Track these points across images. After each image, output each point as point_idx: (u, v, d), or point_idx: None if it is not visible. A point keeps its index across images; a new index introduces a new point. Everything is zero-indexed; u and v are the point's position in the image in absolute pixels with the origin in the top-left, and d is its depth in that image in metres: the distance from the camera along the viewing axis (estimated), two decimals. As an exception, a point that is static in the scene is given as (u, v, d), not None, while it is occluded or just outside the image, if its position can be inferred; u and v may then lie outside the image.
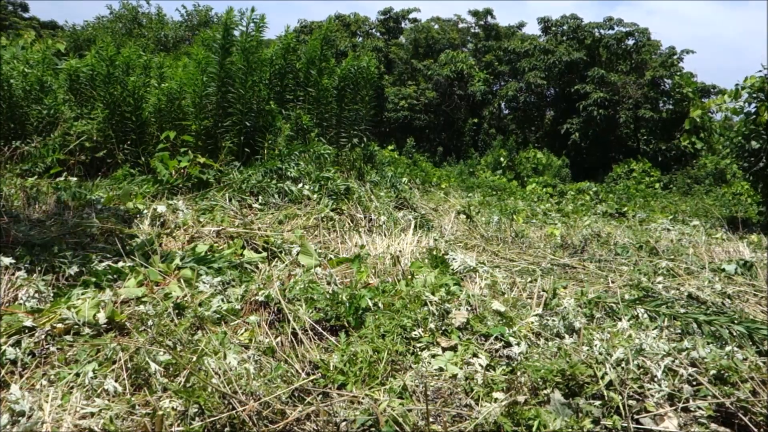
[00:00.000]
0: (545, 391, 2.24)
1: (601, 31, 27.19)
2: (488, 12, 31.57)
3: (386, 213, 5.74)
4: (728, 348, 2.63)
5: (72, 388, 2.20)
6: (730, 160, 14.72)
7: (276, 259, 4.04)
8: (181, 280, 3.32)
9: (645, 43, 26.69)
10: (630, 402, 2.19)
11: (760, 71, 10.06)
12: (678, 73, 24.99)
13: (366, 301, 3.05)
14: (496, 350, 2.73)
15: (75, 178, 5.88)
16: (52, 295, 3.00)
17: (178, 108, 7.12)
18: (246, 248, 4.21)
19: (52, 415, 2.00)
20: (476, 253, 5.07)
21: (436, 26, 31.90)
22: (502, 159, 21.77)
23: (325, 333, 2.86)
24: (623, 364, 2.39)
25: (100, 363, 2.37)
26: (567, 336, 2.89)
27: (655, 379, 2.32)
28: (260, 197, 5.55)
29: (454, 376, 2.45)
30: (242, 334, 2.82)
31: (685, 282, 4.33)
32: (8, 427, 1.92)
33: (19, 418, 1.95)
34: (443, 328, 2.86)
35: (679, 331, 3.12)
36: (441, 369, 2.52)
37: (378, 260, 3.90)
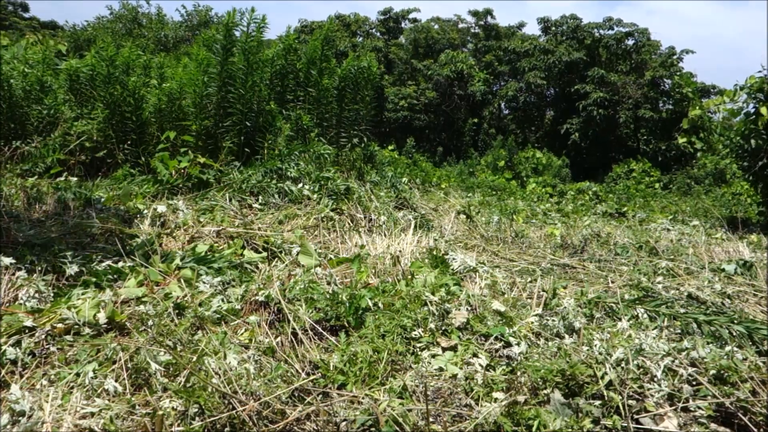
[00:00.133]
0: (545, 391, 2.24)
1: (601, 31, 27.20)
2: (488, 12, 31.58)
3: (386, 213, 5.75)
4: (728, 348, 2.63)
5: (72, 388, 2.20)
6: (729, 160, 14.73)
7: (276, 259, 4.04)
8: (181, 280, 3.32)
9: (645, 43, 26.69)
10: (630, 402, 2.19)
11: (760, 71, 10.08)
12: (678, 73, 24.99)
13: (366, 301, 3.05)
14: (496, 350, 2.73)
15: (75, 178, 5.88)
16: (52, 295, 3.00)
17: (179, 108, 7.12)
18: (246, 248, 4.21)
19: (52, 415, 2.00)
20: (476, 253, 5.07)
21: (436, 26, 31.91)
22: (502, 159, 21.77)
23: (325, 333, 2.86)
24: (623, 364, 2.39)
25: (100, 363, 2.37)
26: (567, 336, 2.89)
27: (655, 379, 2.32)
28: (260, 197, 5.55)
29: (454, 376, 2.46)
30: (242, 334, 2.83)
31: (685, 282, 4.33)
32: (8, 427, 1.92)
33: (20, 418, 1.95)
34: (443, 328, 2.86)
35: (679, 331, 3.12)
36: (441, 369, 2.52)
37: (378, 260, 3.90)
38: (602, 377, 2.30)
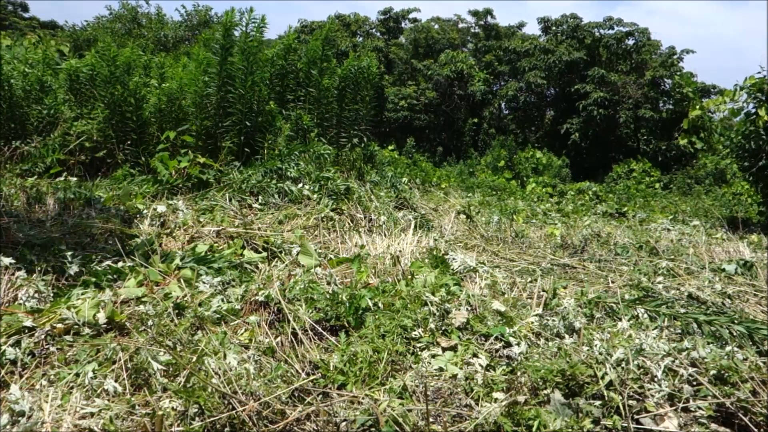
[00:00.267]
0: (545, 391, 2.24)
1: (601, 30, 27.18)
2: (488, 12, 31.57)
3: (386, 213, 5.74)
4: (728, 348, 2.62)
5: (72, 388, 2.20)
6: (730, 160, 14.73)
7: (276, 259, 4.04)
8: (181, 280, 3.32)
9: (645, 43, 26.68)
10: (630, 402, 2.18)
11: (760, 72, 10.08)
12: (678, 73, 24.98)
13: (366, 301, 3.05)
14: (496, 350, 2.73)
15: (75, 178, 5.88)
16: (52, 295, 3.00)
17: (179, 108, 7.12)
18: (246, 248, 4.21)
19: (52, 415, 2.00)
20: (476, 253, 5.07)
21: (436, 26, 31.90)
22: (501, 159, 21.77)
23: (325, 333, 2.86)
24: (623, 364, 2.39)
25: (100, 363, 2.37)
26: (567, 336, 2.89)
27: (655, 379, 2.32)
28: (260, 197, 5.55)
29: (454, 376, 2.45)
30: (242, 334, 2.82)
31: (685, 282, 4.33)
32: (8, 427, 1.92)
33: (19, 418, 1.95)
34: (443, 328, 2.86)
35: (679, 331, 3.12)
36: (441, 369, 2.52)
37: (378, 260, 3.90)
38: (602, 377, 2.30)
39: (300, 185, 5.76)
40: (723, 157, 17.41)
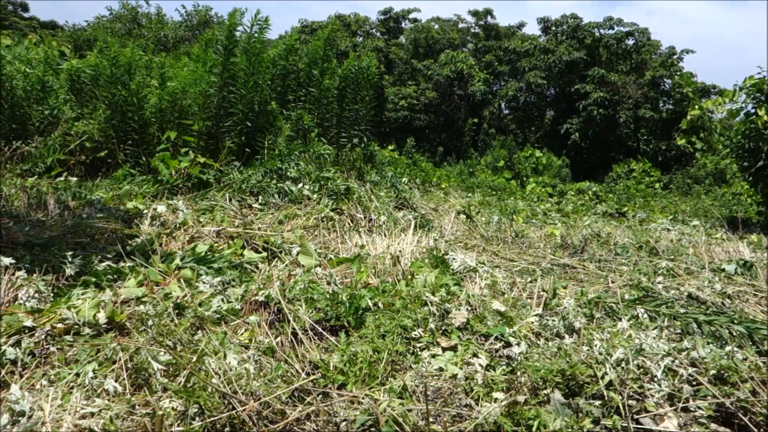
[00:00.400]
0: (545, 391, 2.24)
1: (601, 30, 27.17)
2: (488, 12, 31.57)
3: (386, 213, 5.74)
4: (728, 348, 2.63)
5: (72, 388, 2.20)
6: (729, 160, 14.73)
7: (276, 259, 4.04)
8: (181, 280, 3.32)
9: (645, 43, 26.68)
10: (630, 402, 2.19)
11: (759, 72, 10.09)
12: (678, 73, 24.98)
13: (366, 301, 3.05)
14: (496, 350, 2.73)
15: (75, 178, 5.88)
16: (52, 295, 3.00)
17: (180, 108, 7.12)
18: (246, 248, 4.21)
19: (52, 415, 2.00)
20: (476, 253, 5.07)
21: (436, 26, 31.90)
22: (501, 159, 21.77)
23: (325, 333, 2.86)
24: (623, 364, 2.39)
25: (100, 363, 2.37)
26: (567, 336, 2.89)
27: (655, 379, 2.32)
28: (260, 197, 5.55)
29: (454, 376, 2.45)
30: (242, 334, 2.83)
31: (685, 282, 4.33)
32: (8, 427, 1.92)
33: (19, 418, 1.95)
34: (443, 328, 2.86)
35: (679, 331, 3.12)
36: (441, 369, 2.52)
37: (378, 260, 3.90)
38: (602, 377, 2.30)
39: (300, 185, 5.76)
40: (723, 157, 17.42)
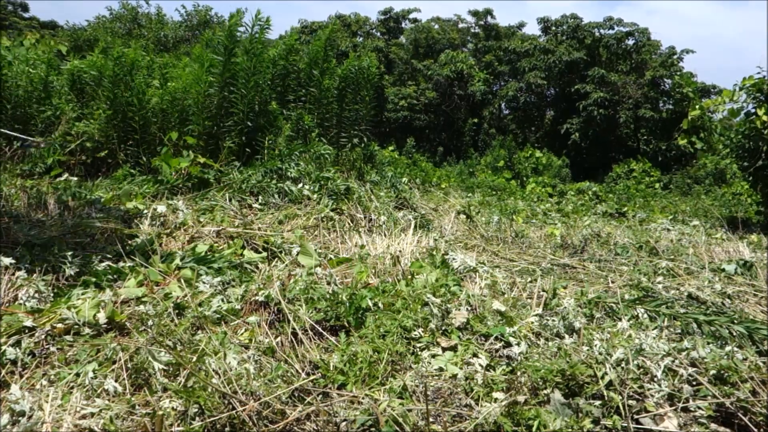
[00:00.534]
0: (545, 391, 2.24)
1: (601, 30, 27.17)
2: (488, 12, 31.56)
3: (386, 213, 5.74)
4: (728, 348, 2.63)
5: (72, 388, 2.20)
6: (729, 160, 14.72)
7: (276, 259, 4.04)
8: (181, 280, 3.32)
9: (645, 43, 26.67)
10: (630, 402, 2.19)
11: (759, 72, 10.09)
12: (678, 73, 24.97)
13: (366, 301, 3.05)
14: (496, 350, 2.73)
15: (75, 178, 5.88)
16: (52, 295, 3.00)
17: (181, 108, 7.13)
18: (246, 248, 4.21)
19: (52, 415, 2.00)
20: (476, 253, 5.07)
21: (437, 26, 31.90)
22: (501, 159, 21.78)
23: (325, 333, 2.86)
24: (623, 364, 2.39)
25: (100, 363, 2.37)
26: (567, 336, 2.89)
27: (655, 379, 2.32)
28: (260, 197, 5.55)
29: (454, 376, 2.45)
30: (242, 334, 2.82)
31: (685, 282, 4.33)
32: (8, 427, 1.92)
33: (19, 418, 1.95)
34: (443, 328, 2.86)
35: (679, 331, 3.12)
36: (441, 369, 2.52)
37: (378, 260, 3.90)
38: (602, 377, 2.30)
39: (300, 185, 5.76)
40: (723, 157, 17.40)
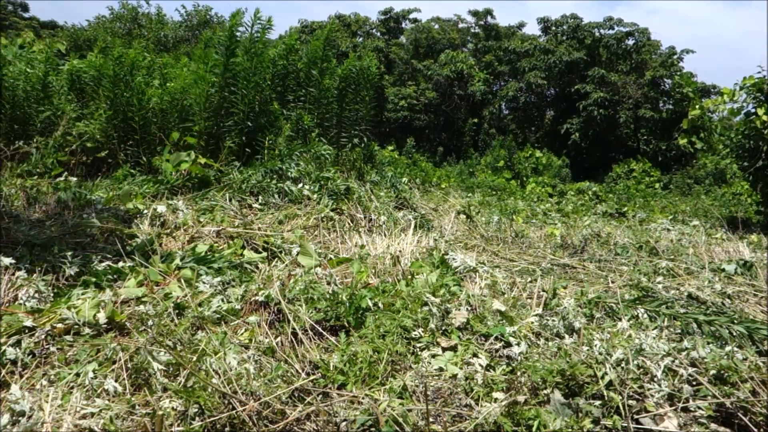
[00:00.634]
0: (545, 391, 2.24)
1: (601, 30, 27.19)
2: (488, 12, 31.58)
3: (386, 213, 5.74)
4: (728, 348, 2.63)
5: (72, 388, 2.20)
6: (729, 160, 14.73)
7: (276, 259, 4.04)
8: (181, 280, 3.32)
9: (645, 43, 26.68)
10: (630, 402, 2.19)
11: (759, 72, 10.09)
12: (678, 73, 24.98)
13: (366, 301, 3.05)
14: (496, 350, 2.73)
15: (75, 179, 5.88)
16: (52, 295, 3.00)
17: (182, 108, 7.13)
18: (246, 248, 4.21)
19: (52, 415, 2.00)
20: (476, 253, 5.07)
21: (437, 26, 31.91)
22: (501, 159, 21.78)
23: (325, 333, 2.86)
24: (623, 364, 2.39)
25: (100, 363, 2.37)
26: (567, 336, 2.89)
27: (655, 379, 2.32)
28: (260, 197, 5.55)
29: (454, 376, 2.45)
30: (242, 334, 2.83)
31: (685, 282, 4.33)
32: (8, 427, 1.92)
33: (19, 418, 1.95)
34: (443, 328, 2.86)
35: (679, 331, 3.12)
36: (441, 369, 2.52)
37: (378, 260, 3.90)
38: (602, 377, 2.30)
39: (300, 185, 5.76)
40: (723, 157, 17.41)
